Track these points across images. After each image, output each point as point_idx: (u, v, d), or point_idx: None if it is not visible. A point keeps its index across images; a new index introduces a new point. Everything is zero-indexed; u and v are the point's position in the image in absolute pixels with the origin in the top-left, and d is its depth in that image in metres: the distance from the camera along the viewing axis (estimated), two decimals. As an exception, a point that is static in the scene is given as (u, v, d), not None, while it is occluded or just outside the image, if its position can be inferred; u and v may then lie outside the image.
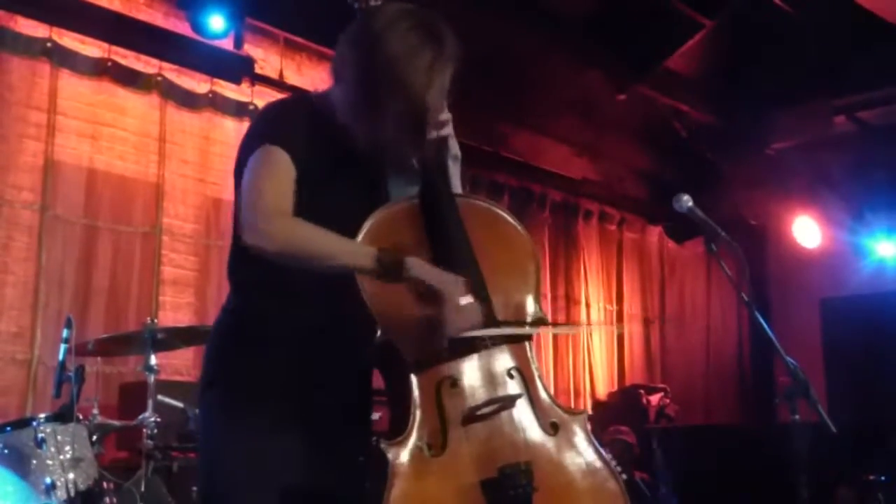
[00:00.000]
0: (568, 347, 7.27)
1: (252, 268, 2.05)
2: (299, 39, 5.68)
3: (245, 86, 5.44)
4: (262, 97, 5.39)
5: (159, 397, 3.64)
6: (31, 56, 4.64)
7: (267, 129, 2.10)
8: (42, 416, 3.31)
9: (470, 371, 2.03)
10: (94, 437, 3.45)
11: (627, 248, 8.05)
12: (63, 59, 4.73)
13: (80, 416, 3.37)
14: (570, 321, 7.30)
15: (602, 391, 7.42)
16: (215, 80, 5.32)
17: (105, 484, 3.35)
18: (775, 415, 7.32)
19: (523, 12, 5.76)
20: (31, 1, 4.64)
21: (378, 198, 2.16)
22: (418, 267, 1.94)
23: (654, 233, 8.31)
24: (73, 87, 4.79)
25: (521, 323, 2.12)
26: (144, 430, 3.54)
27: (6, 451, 3.19)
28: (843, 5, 5.68)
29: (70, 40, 4.80)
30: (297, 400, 2.05)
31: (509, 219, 2.23)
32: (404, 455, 1.93)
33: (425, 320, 1.94)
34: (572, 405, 6.81)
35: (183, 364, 4.89)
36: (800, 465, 2.30)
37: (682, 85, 6.90)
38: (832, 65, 6.37)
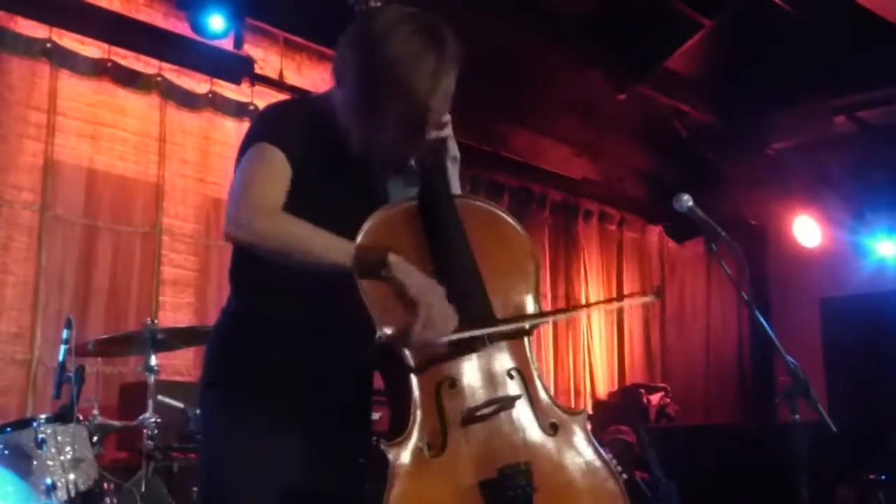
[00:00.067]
0: (568, 347, 7.27)
1: (253, 268, 2.05)
2: (299, 39, 5.68)
3: (245, 86, 5.44)
4: (262, 97, 5.40)
5: (159, 398, 3.65)
6: (31, 56, 4.64)
7: (265, 128, 2.10)
8: (42, 416, 3.31)
9: (470, 371, 2.03)
10: (95, 438, 3.46)
11: (627, 248, 8.05)
12: (63, 59, 4.74)
13: (81, 417, 3.38)
14: (570, 321, 7.29)
15: (602, 391, 7.43)
16: (215, 80, 5.33)
17: (105, 484, 3.36)
18: (775, 414, 7.32)
19: (523, 12, 5.76)
20: (31, 1, 4.64)
21: (377, 199, 2.16)
22: (401, 268, 1.92)
23: (654, 233, 8.31)
24: (72, 87, 4.79)
25: (507, 321, 2.10)
26: (145, 431, 3.54)
27: (6, 451, 3.19)
28: (843, 5, 5.68)
29: (70, 41, 4.80)
30: (297, 400, 2.06)
31: (508, 219, 2.22)
32: (405, 455, 1.93)
33: (405, 324, 1.93)
34: (573, 405, 6.80)
35: (183, 364, 4.89)
36: (800, 464, 2.30)
37: (682, 85, 6.90)
38: (832, 65, 6.36)
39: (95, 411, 3.53)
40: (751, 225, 8.20)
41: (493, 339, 2.06)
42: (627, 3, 6.01)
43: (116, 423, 3.69)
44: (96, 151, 4.86)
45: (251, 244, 1.94)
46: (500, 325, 2.06)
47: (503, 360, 2.07)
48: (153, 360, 3.65)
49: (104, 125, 4.90)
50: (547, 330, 6.95)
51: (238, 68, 5.39)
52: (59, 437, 3.26)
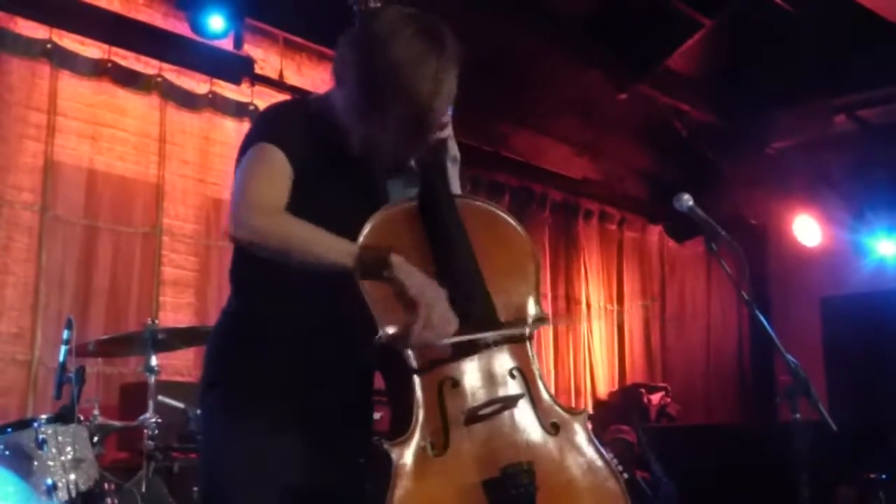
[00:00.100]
0: (569, 347, 7.28)
1: (253, 269, 2.05)
2: (299, 39, 5.69)
3: (245, 86, 5.44)
4: (262, 97, 5.40)
5: (160, 398, 3.65)
6: (31, 57, 4.65)
7: (264, 128, 2.10)
8: (43, 417, 3.31)
9: (471, 371, 2.03)
10: (95, 438, 3.46)
11: (628, 248, 8.05)
12: (63, 60, 4.74)
13: (81, 417, 3.38)
14: (570, 320, 7.30)
15: (603, 390, 7.43)
16: (215, 80, 5.33)
17: (106, 485, 3.36)
18: (776, 414, 7.33)
19: (523, 12, 5.76)
20: (31, 2, 4.65)
21: (377, 199, 2.16)
22: (402, 268, 1.91)
23: (655, 232, 8.31)
24: (73, 87, 4.80)
25: (511, 324, 2.10)
26: (145, 431, 3.54)
27: (7, 452, 3.19)
28: (843, 4, 5.68)
29: (70, 41, 4.80)
30: (298, 400, 2.06)
31: (509, 219, 2.22)
32: (407, 455, 1.93)
33: (405, 325, 1.93)
34: (573, 404, 6.79)
35: (183, 365, 4.90)
36: (800, 463, 2.30)
37: (682, 84, 6.90)
38: (832, 64, 6.36)
39: (96, 411, 3.53)
40: (751, 224, 8.20)
41: (496, 342, 2.06)
42: (627, 3, 6.01)
43: (117, 423, 3.69)
44: (96, 152, 4.86)
45: (251, 243, 1.94)
46: (501, 328, 2.06)
47: (505, 360, 2.07)
48: (154, 361, 3.66)
49: (104, 125, 4.90)
50: (547, 330, 6.95)
51: (238, 68, 5.39)
52: (60, 438, 3.26)
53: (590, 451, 2.06)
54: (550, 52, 6.08)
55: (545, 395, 2.08)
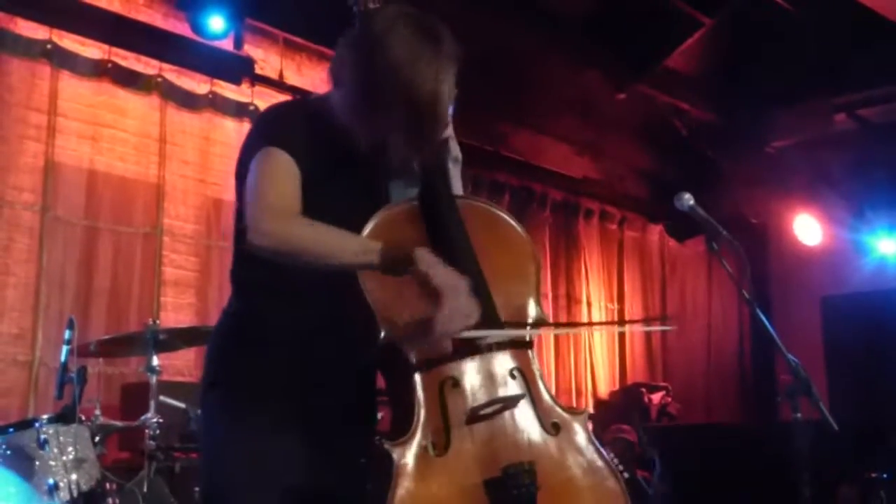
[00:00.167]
0: (569, 346, 7.27)
1: (254, 269, 2.06)
2: (299, 40, 5.69)
3: (245, 86, 5.44)
4: (263, 98, 5.40)
5: (161, 398, 3.65)
6: (32, 58, 4.65)
7: (267, 130, 2.10)
8: (44, 417, 3.31)
9: (472, 371, 2.04)
10: (97, 438, 3.46)
11: (628, 247, 8.05)
12: (63, 60, 4.74)
13: (83, 417, 3.38)
14: (572, 320, 7.30)
15: (604, 390, 7.43)
16: (215, 80, 5.33)
17: (107, 485, 3.36)
18: (777, 413, 7.32)
19: (522, 12, 5.76)
20: (31, 3, 4.65)
21: (378, 200, 2.16)
22: (427, 260, 1.92)
23: (655, 231, 8.31)
24: (73, 88, 4.80)
25: (522, 324, 2.12)
26: (147, 431, 3.55)
27: (9, 452, 3.19)
28: (843, 3, 5.68)
29: (70, 42, 4.80)
30: (298, 400, 2.06)
31: (510, 220, 2.23)
32: (409, 455, 1.94)
33: (421, 319, 1.94)
34: (574, 404, 6.81)
35: (185, 365, 4.90)
36: (802, 463, 2.30)
37: (682, 83, 6.90)
38: (832, 63, 6.36)
39: (97, 412, 3.53)
40: (751, 223, 8.20)
41: (499, 345, 2.06)
42: (627, 2, 6.01)
43: (118, 423, 3.69)
44: (97, 152, 4.86)
45: (276, 251, 1.93)
46: (505, 329, 2.06)
47: (505, 361, 2.08)
48: (155, 361, 3.66)
49: (104, 126, 4.90)
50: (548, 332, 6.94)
51: (238, 69, 5.39)
52: (62, 438, 3.27)
53: (590, 451, 2.06)
54: (550, 51, 6.08)
55: (545, 396, 2.09)
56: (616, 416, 6.53)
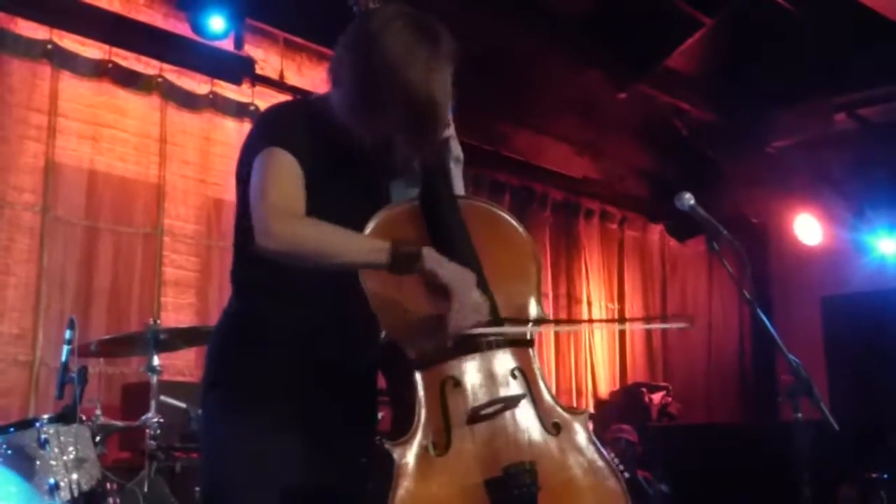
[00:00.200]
0: (570, 346, 7.27)
1: (254, 269, 2.06)
2: (299, 40, 5.69)
3: (245, 86, 5.45)
4: (263, 98, 5.40)
5: (162, 398, 3.65)
6: (32, 58, 4.65)
7: (269, 130, 2.10)
8: (45, 417, 3.32)
9: (473, 371, 2.04)
10: (97, 438, 3.46)
11: (629, 247, 8.05)
12: (63, 60, 4.74)
13: (83, 417, 3.38)
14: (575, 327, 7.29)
15: (604, 390, 7.43)
16: (216, 80, 5.33)
17: (108, 484, 3.36)
18: (777, 413, 7.33)
19: (522, 12, 5.76)
20: (32, 3, 4.65)
21: (379, 200, 2.16)
22: (434, 258, 1.93)
23: (656, 231, 8.31)
24: (73, 88, 4.80)
25: (526, 321, 2.12)
26: (147, 431, 3.55)
27: (10, 452, 3.19)
28: (843, 3, 5.68)
29: (70, 42, 4.80)
30: (299, 400, 2.06)
31: (511, 220, 2.23)
32: (409, 455, 1.94)
33: (429, 317, 1.94)
34: (574, 404, 6.81)
35: (185, 365, 4.90)
36: (802, 463, 2.30)
37: (682, 83, 6.90)
38: (832, 62, 6.36)
39: (98, 411, 3.53)
40: (752, 223, 8.20)
41: (499, 341, 2.06)
42: (627, 2, 6.01)
43: (119, 423, 3.70)
44: (97, 153, 4.86)
45: (284, 253, 1.93)
46: (508, 326, 2.06)
47: (506, 360, 2.08)
48: (155, 361, 3.66)
49: (105, 126, 4.90)
50: (549, 329, 6.95)
51: (238, 69, 5.39)
52: (62, 438, 3.27)
53: (591, 451, 2.07)
54: (550, 51, 6.08)
55: (546, 396, 2.09)
56: (616, 415, 6.53)
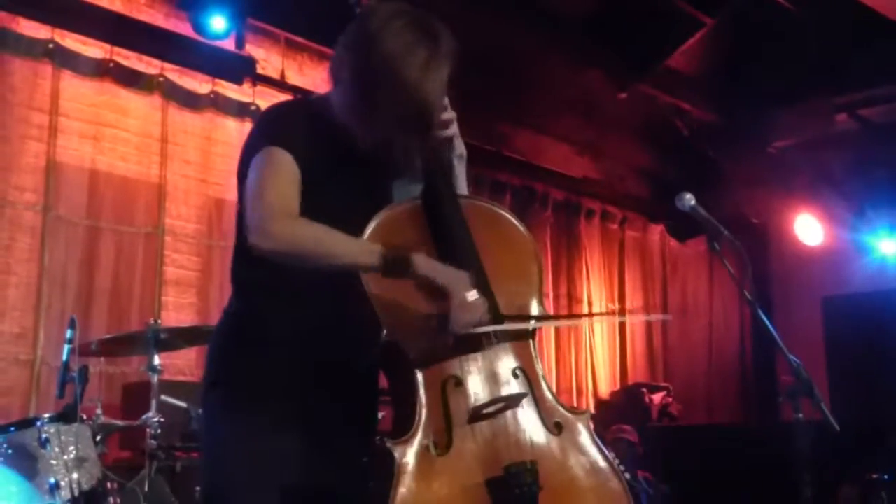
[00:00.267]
0: (570, 346, 7.28)
1: (255, 269, 2.06)
2: (300, 39, 5.69)
3: (247, 86, 5.45)
4: (264, 97, 5.40)
5: (162, 397, 3.66)
6: (33, 57, 4.65)
7: (269, 130, 2.10)
8: (46, 416, 3.32)
9: (475, 370, 2.04)
10: (98, 437, 3.46)
11: (629, 247, 8.05)
12: (65, 60, 4.74)
13: (84, 417, 3.39)
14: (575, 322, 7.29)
15: (604, 390, 7.43)
16: (217, 80, 5.33)
17: (109, 484, 3.36)
18: (778, 413, 7.32)
19: (522, 12, 5.76)
20: (33, 2, 4.65)
21: (380, 198, 2.16)
22: (425, 264, 1.95)
23: (656, 231, 8.31)
24: (74, 88, 4.80)
25: (525, 318, 2.12)
26: (148, 430, 3.55)
27: (10, 451, 3.20)
28: (843, 2, 5.68)
29: (72, 41, 4.80)
30: (299, 400, 2.06)
31: (512, 220, 2.23)
32: (410, 454, 1.94)
33: (431, 317, 1.95)
34: (575, 404, 6.81)
35: (186, 364, 4.90)
36: (803, 463, 2.30)
37: (683, 83, 6.90)
38: (833, 62, 6.36)
39: (99, 411, 3.54)
40: (752, 223, 8.20)
41: (499, 336, 2.06)
42: (628, 2, 6.01)
43: (120, 422, 3.70)
44: (98, 152, 4.86)
45: (277, 252, 1.94)
46: (508, 323, 2.07)
47: (507, 360, 2.08)
48: (156, 360, 3.67)
49: (106, 126, 4.90)
50: (549, 329, 6.95)
51: (240, 68, 5.39)
52: (63, 437, 3.27)
53: (593, 451, 2.07)
54: (551, 51, 6.08)
55: (548, 395, 2.09)
56: (617, 416, 6.52)
